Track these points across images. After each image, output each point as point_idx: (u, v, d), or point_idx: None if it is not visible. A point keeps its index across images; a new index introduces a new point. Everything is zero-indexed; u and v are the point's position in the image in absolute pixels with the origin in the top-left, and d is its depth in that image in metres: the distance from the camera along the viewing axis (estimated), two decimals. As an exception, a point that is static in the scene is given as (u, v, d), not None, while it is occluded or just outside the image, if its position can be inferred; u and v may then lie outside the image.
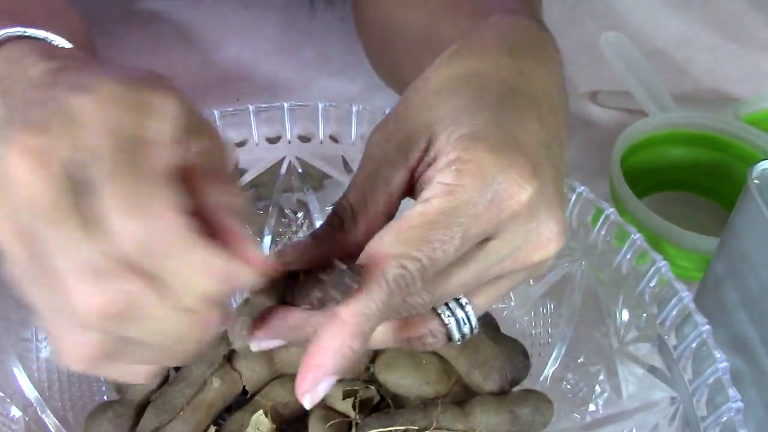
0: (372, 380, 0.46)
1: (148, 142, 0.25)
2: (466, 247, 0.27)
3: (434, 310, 0.30)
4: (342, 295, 0.26)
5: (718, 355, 0.36)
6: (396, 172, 0.29)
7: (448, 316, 0.30)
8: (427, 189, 0.27)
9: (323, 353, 0.26)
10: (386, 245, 0.26)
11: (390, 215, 0.30)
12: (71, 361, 0.27)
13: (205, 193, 0.27)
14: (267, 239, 0.50)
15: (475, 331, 0.31)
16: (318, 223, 0.50)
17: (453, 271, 0.28)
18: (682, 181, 0.58)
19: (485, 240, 0.28)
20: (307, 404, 0.28)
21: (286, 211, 0.51)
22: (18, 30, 0.36)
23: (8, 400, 0.42)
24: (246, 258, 0.25)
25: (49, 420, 0.43)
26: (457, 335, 0.31)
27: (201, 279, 0.25)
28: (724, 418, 0.34)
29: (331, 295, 0.26)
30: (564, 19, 0.75)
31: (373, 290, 0.26)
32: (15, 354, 0.42)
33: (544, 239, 0.28)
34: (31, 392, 0.43)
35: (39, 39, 0.36)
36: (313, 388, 0.27)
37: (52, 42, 0.35)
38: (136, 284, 0.24)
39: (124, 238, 0.24)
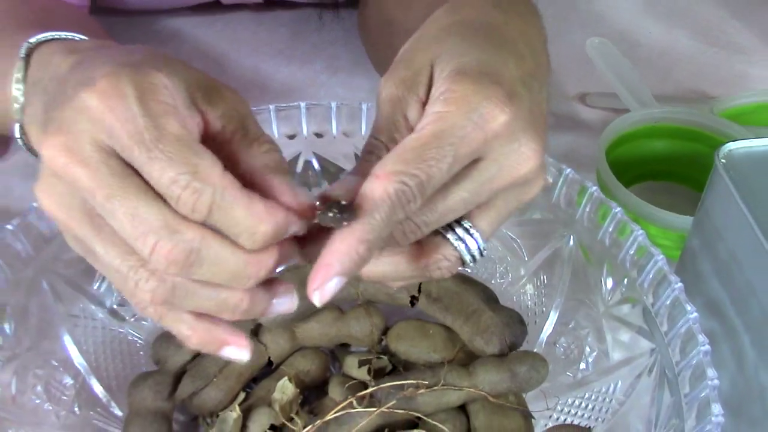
0: (384, 352, 0.51)
1: (159, 115, 0.30)
2: (458, 165, 0.32)
3: (444, 237, 0.34)
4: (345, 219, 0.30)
5: (688, 308, 0.41)
6: (411, 108, 0.34)
7: (457, 240, 0.34)
8: (421, 119, 0.32)
9: (333, 255, 0.30)
10: (388, 166, 0.31)
11: None
12: (144, 309, 0.32)
13: (241, 155, 0.32)
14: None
15: (484, 253, 0.35)
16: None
17: (450, 190, 0.32)
18: (664, 171, 0.64)
19: (475, 161, 0.32)
20: (317, 301, 0.31)
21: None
22: (47, 35, 0.42)
23: (61, 369, 0.47)
24: (293, 204, 0.30)
25: (96, 387, 0.48)
26: (467, 257, 0.34)
27: (252, 225, 0.29)
28: (695, 361, 0.39)
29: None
30: (554, 28, 0.80)
31: (378, 203, 0.30)
32: (66, 329, 0.47)
33: (525, 156, 0.33)
34: (80, 362, 0.48)
35: (64, 39, 0.41)
36: (322, 285, 0.31)
37: (74, 38, 0.40)
38: (197, 234, 0.29)
39: (179, 203, 0.29)
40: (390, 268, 0.35)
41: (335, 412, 0.44)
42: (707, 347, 0.39)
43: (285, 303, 0.34)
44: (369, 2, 0.68)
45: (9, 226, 0.44)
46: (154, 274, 0.31)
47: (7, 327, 0.43)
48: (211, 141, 0.32)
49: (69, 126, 0.31)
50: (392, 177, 0.30)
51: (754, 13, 0.84)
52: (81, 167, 0.30)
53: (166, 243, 0.29)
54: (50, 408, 0.45)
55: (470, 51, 0.34)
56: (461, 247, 0.34)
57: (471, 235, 0.34)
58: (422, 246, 0.34)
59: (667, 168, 0.64)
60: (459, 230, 0.34)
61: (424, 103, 0.34)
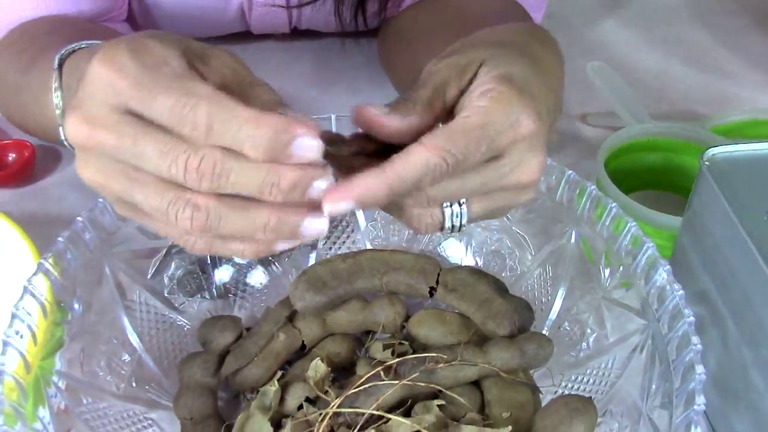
0: (406, 338, 0.57)
1: (152, 64, 0.35)
2: (487, 156, 0.37)
3: None
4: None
5: (676, 287, 0.46)
6: (452, 90, 0.40)
7: (446, 207, 0.40)
8: (465, 110, 0.38)
9: (359, 184, 0.35)
10: (438, 140, 0.37)
11: (437, 120, 0.39)
12: (189, 244, 0.37)
13: (248, 99, 0.36)
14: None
15: (464, 228, 0.40)
16: (362, 221, 0.62)
17: (467, 175, 0.38)
18: (658, 181, 0.70)
19: (495, 157, 0.39)
20: (325, 210, 0.36)
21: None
22: (74, 45, 0.49)
23: (120, 347, 0.52)
24: (301, 124, 0.35)
25: (150, 364, 0.54)
26: (448, 223, 0.40)
27: (250, 130, 0.34)
28: (681, 332, 0.45)
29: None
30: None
31: (416, 166, 0.35)
32: (125, 312, 0.53)
33: (533, 166, 0.39)
34: (136, 342, 0.53)
35: (91, 45, 0.47)
36: (336, 200, 0.35)
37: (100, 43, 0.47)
38: (218, 152, 0.34)
39: (184, 126, 0.34)
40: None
41: (362, 382, 0.49)
42: (692, 318, 0.44)
43: (314, 225, 0.37)
44: (389, 29, 0.75)
45: (79, 218, 0.50)
46: (188, 203, 0.35)
47: (76, 305, 0.49)
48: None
49: (82, 101, 0.36)
50: (436, 150, 0.36)
51: (741, 41, 0.91)
52: (102, 131, 0.35)
53: (194, 157, 0.34)
54: (111, 380, 0.51)
55: (516, 65, 0.40)
56: (447, 214, 0.40)
57: (461, 209, 0.40)
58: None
59: (660, 178, 0.70)
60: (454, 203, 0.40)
61: (462, 92, 0.40)
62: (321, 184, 0.36)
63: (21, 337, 0.44)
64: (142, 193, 0.36)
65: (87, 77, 0.36)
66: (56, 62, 0.48)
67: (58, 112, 0.49)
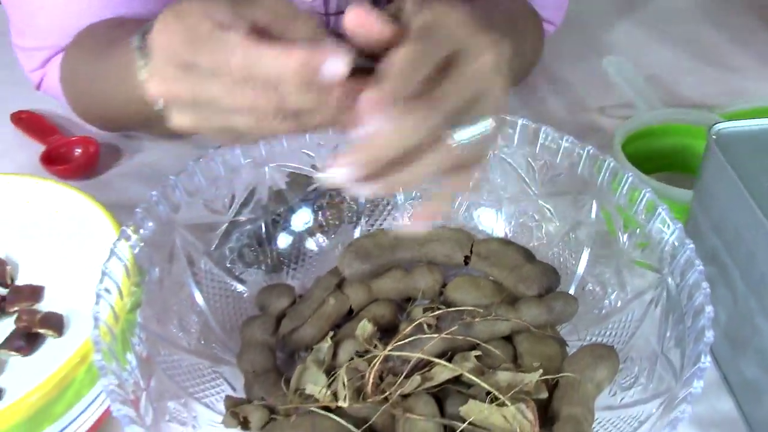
0: (443, 303, 0.62)
1: (192, 24, 0.41)
2: (442, 52, 0.42)
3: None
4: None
5: (687, 241, 0.52)
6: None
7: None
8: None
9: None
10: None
11: None
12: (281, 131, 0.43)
13: (289, 36, 0.42)
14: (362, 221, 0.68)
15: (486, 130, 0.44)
16: (401, 200, 0.68)
17: (443, 83, 0.42)
18: (672, 164, 0.75)
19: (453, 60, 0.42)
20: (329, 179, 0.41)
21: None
22: (147, 25, 0.54)
23: (189, 309, 0.59)
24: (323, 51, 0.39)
25: (214, 325, 0.60)
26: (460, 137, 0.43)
27: (281, 65, 0.39)
28: (692, 280, 0.50)
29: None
30: (577, 53, 0.94)
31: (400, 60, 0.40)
32: (193, 280, 0.59)
33: (482, 47, 0.43)
34: (202, 305, 0.59)
35: None
36: (340, 167, 0.40)
37: None
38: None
39: (238, 76, 0.40)
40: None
41: (408, 332, 0.55)
42: (701, 267, 0.50)
43: (335, 64, 0.39)
44: None
45: (153, 192, 0.56)
46: (258, 93, 0.41)
47: (152, 270, 0.56)
48: (261, 36, 0.42)
49: (153, 68, 0.43)
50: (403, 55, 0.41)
51: (750, 39, 0.97)
52: (173, 83, 0.42)
53: (252, 91, 0.41)
54: (182, 336, 0.57)
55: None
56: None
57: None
58: None
59: (673, 161, 0.75)
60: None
61: None
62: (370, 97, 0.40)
63: (109, 292, 0.51)
64: (241, 119, 0.43)
65: (152, 49, 0.44)
66: (137, 42, 0.54)
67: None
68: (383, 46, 0.42)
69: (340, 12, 0.82)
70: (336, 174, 0.41)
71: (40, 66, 0.76)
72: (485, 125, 0.44)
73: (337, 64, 0.39)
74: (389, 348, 0.55)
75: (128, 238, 0.54)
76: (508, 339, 0.58)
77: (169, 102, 0.44)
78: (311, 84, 0.40)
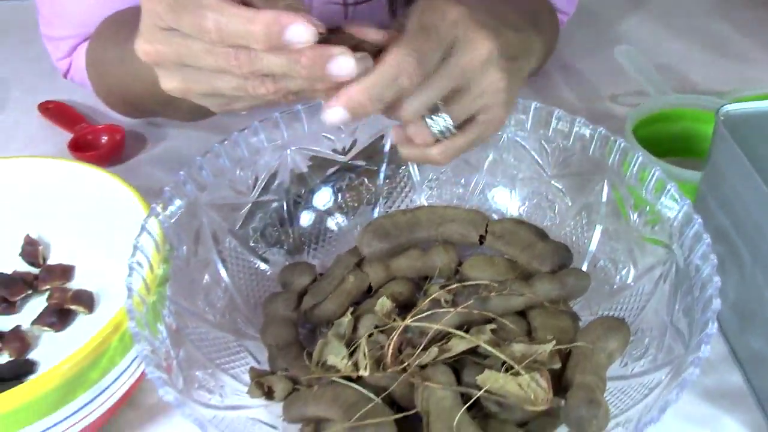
0: (459, 281, 0.65)
1: None
2: (437, 52, 0.46)
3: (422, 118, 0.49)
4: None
5: (695, 217, 0.54)
6: None
7: (427, 118, 0.49)
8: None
9: (344, 94, 0.44)
10: (391, 51, 0.45)
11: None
12: (257, 89, 0.45)
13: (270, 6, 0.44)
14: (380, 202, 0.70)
15: (453, 131, 0.50)
16: (417, 181, 0.70)
17: (435, 75, 0.46)
18: (681, 149, 0.77)
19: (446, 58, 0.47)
20: (326, 119, 0.45)
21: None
22: None
23: (215, 285, 0.61)
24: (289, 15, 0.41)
25: (239, 300, 0.62)
26: (435, 129, 0.49)
27: (249, 28, 0.41)
28: (700, 252, 0.52)
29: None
30: (590, 44, 0.96)
31: (381, 71, 0.44)
32: (218, 257, 0.62)
33: (476, 42, 0.47)
34: (228, 282, 0.62)
35: None
36: (330, 108, 0.44)
37: None
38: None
39: (214, 37, 0.42)
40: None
41: (426, 305, 0.57)
42: (709, 240, 0.52)
43: (341, 64, 0.43)
44: None
45: (181, 172, 0.59)
46: (233, 54, 0.43)
47: (180, 246, 0.58)
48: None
49: (141, 30, 0.46)
50: (391, 59, 0.45)
51: (758, 29, 0.99)
52: (158, 45, 0.45)
53: (230, 53, 0.43)
54: (209, 311, 0.59)
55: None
56: (429, 123, 0.49)
57: (441, 116, 0.49)
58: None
59: (683, 146, 0.77)
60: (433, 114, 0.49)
61: None
62: (341, 60, 0.43)
63: (141, 266, 0.53)
64: (223, 81, 0.45)
65: (142, 11, 0.46)
66: None
67: None
68: None
69: (357, 2, 0.84)
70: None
71: (67, 54, 0.79)
72: (447, 124, 0.50)
73: (300, 30, 0.41)
74: (409, 319, 0.57)
75: (158, 215, 0.56)
76: (522, 315, 0.60)
77: (157, 64, 0.46)
78: (278, 47, 0.42)
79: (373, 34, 0.47)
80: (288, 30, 0.41)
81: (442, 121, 0.50)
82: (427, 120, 0.50)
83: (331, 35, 0.45)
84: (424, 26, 0.46)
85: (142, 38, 0.46)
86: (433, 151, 0.52)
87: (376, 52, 0.46)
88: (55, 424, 0.50)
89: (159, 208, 0.56)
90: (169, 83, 0.47)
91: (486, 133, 0.53)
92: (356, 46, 0.45)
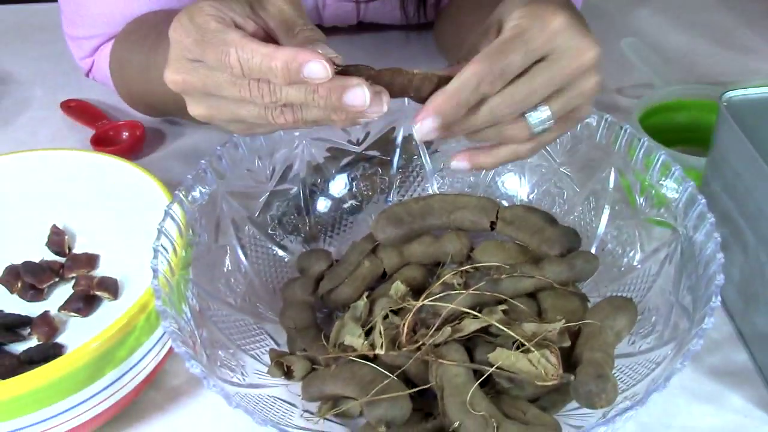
0: (471, 265, 0.66)
1: (203, 23, 0.46)
2: (529, 59, 0.47)
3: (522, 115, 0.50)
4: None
5: (699, 197, 0.56)
6: (483, 44, 0.49)
7: (528, 114, 0.50)
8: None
9: (430, 103, 0.47)
10: (481, 55, 0.46)
11: None
12: (277, 119, 0.48)
13: (291, 41, 0.48)
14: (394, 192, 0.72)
15: (548, 125, 0.50)
16: (429, 170, 0.72)
17: (528, 76, 0.47)
18: (687, 139, 0.79)
19: (545, 56, 0.48)
20: (417, 136, 0.47)
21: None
22: None
23: (236, 270, 0.63)
24: (307, 53, 0.44)
25: (258, 285, 0.64)
26: (536, 125, 0.50)
27: (268, 63, 0.44)
28: (704, 231, 0.54)
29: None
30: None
31: (467, 75, 0.45)
32: (238, 244, 0.64)
33: (584, 46, 0.48)
34: (247, 267, 0.64)
35: None
36: (421, 121, 0.47)
37: None
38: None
39: (236, 72, 0.45)
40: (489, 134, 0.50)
41: (439, 286, 0.59)
42: (713, 219, 0.54)
43: (357, 96, 0.45)
44: (441, 15, 0.85)
45: (202, 161, 0.61)
46: (255, 86, 0.46)
47: (201, 233, 0.60)
48: (269, 37, 0.49)
49: (170, 60, 0.49)
50: (481, 62, 0.47)
51: (763, 22, 1.00)
52: (186, 75, 0.48)
53: (253, 84, 0.46)
54: (229, 294, 0.61)
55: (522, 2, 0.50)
56: (530, 119, 0.50)
57: (540, 111, 0.50)
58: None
59: (689, 135, 0.79)
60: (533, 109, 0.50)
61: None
62: (357, 91, 0.45)
63: (165, 249, 0.55)
64: (245, 110, 0.48)
65: (170, 42, 0.49)
66: None
67: None
68: None
69: (369, 0, 0.87)
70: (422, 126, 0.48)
71: (90, 54, 0.81)
72: (548, 119, 0.50)
73: (317, 68, 0.44)
74: (422, 300, 0.59)
75: (181, 202, 0.58)
76: (533, 297, 0.62)
77: (184, 92, 0.50)
78: (297, 82, 0.44)
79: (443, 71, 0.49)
80: (306, 67, 0.44)
81: (541, 115, 0.50)
82: (527, 116, 0.50)
83: (350, 66, 0.47)
84: (519, 33, 0.47)
85: (170, 68, 0.49)
86: (525, 147, 0.52)
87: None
88: (85, 400, 0.52)
89: (182, 195, 0.59)
90: (196, 110, 0.50)
91: (571, 128, 0.55)
92: (373, 77, 0.47)
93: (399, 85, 0.49)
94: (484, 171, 0.70)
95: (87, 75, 0.84)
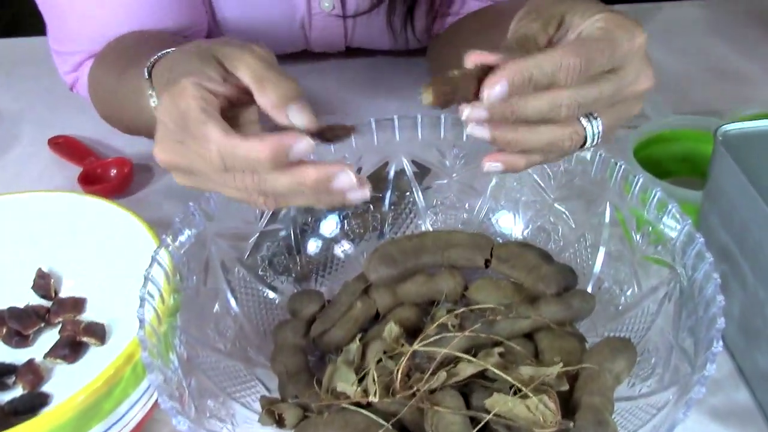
0: (466, 305, 0.65)
1: (184, 109, 0.47)
2: (610, 63, 0.46)
3: (578, 119, 0.48)
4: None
5: (698, 236, 0.55)
6: (542, 37, 0.49)
7: (587, 122, 0.49)
8: (581, 34, 0.47)
9: (507, 67, 0.45)
10: (571, 46, 0.46)
11: None
12: (255, 202, 0.48)
13: (265, 95, 0.47)
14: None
15: (599, 140, 0.50)
16: (422, 207, 0.71)
17: (597, 83, 0.46)
18: (682, 170, 0.78)
19: (616, 68, 0.47)
20: (485, 97, 0.45)
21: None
22: (161, 53, 0.60)
23: (225, 314, 0.62)
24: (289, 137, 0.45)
25: (248, 329, 0.63)
26: (590, 137, 0.49)
27: (255, 157, 0.45)
28: (703, 271, 0.53)
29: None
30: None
31: (553, 58, 0.45)
32: (228, 287, 0.63)
33: (648, 74, 0.48)
34: (237, 311, 0.63)
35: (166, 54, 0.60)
36: (492, 86, 0.45)
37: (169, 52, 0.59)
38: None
39: (217, 166, 0.46)
40: (537, 136, 0.48)
41: (434, 329, 0.58)
42: (712, 259, 0.53)
43: (343, 180, 0.46)
44: (436, 42, 0.85)
45: (190, 203, 0.60)
46: (240, 177, 0.47)
47: (190, 276, 0.59)
48: (245, 94, 0.49)
49: (158, 138, 0.49)
50: (569, 51, 0.45)
51: (756, 50, 1.00)
52: (171, 155, 0.49)
53: (236, 176, 0.47)
54: (219, 339, 0.60)
55: (598, 6, 0.50)
56: (588, 128, 0.49)
57: (596, 122, 0.49)
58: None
59: (683, 166, 0.78)
60: (588, 118, 0.49)
61: (550, 39, 0.49)
62: (342, 177, 0.46)
63: (152, 296, 0.54)
64: (229, 192, 0.49)
65: (157, 120, 0.50)
66: (146, 73, 0.60)
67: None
68: None
69: (357, 14, 0.86)
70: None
71: (74, 69, 0.82)
72: (599, 133, 0.50)
73: (303, 145, 0.45)
74: (416, 344, 0.57)
75: (168, 247, 0.57)
76: (529, 337, 0.61)
77: (170, 168, 0.50)
78: (284, 166, 0.45)
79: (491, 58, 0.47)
80: (293, 149, 0.45)
81: (597, 127, 0.50)
82: (584, 121, 0.49)
83: (325, 127, 0.49)
84: (610, 38, 0.47)
85: (157, 146, 0.50)
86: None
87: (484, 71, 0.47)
88: (70, 456, 0.51)
89: (169, 240, 0.57)
90: (182, 182, 0.51)
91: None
92: (347, 132, 0.50)
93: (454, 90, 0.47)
94: (512, 172, 0.67)
95: (71, 89, 0.84)
